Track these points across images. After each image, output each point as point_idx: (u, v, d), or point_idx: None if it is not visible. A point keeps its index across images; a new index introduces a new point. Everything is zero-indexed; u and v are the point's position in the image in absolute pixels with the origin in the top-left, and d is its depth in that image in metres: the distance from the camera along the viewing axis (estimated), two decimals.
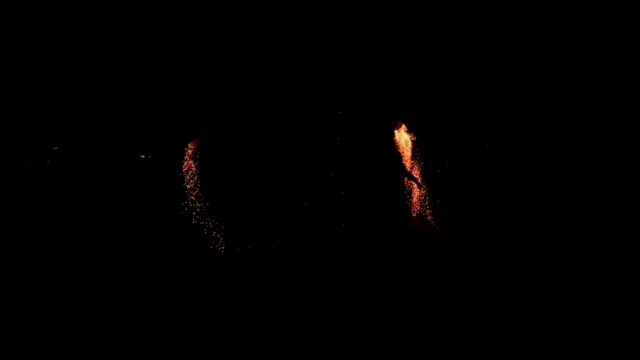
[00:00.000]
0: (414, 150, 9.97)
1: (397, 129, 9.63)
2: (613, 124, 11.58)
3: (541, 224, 8.29)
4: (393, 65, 12.61)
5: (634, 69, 11.58)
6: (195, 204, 8.18)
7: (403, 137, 9.68)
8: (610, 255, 5.84)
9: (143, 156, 18.38)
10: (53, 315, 4.09)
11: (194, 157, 11.78)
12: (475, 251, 6.37)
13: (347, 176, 12.48)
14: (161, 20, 15.04)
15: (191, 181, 8.82)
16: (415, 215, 9.66)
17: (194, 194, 9.19)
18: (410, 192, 9.57)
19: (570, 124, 12.07)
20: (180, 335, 3.55)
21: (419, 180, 9.20)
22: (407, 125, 9.53)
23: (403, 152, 9.53)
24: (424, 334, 3.41)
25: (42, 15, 16.17)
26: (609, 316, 3.69)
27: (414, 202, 9.89)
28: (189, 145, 7.19)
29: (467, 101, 12.73)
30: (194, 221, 6.92)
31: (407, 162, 9.57)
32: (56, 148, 17.62)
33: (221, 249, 6.84)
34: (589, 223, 8.05)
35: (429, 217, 9.46)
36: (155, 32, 14.82)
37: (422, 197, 9.84)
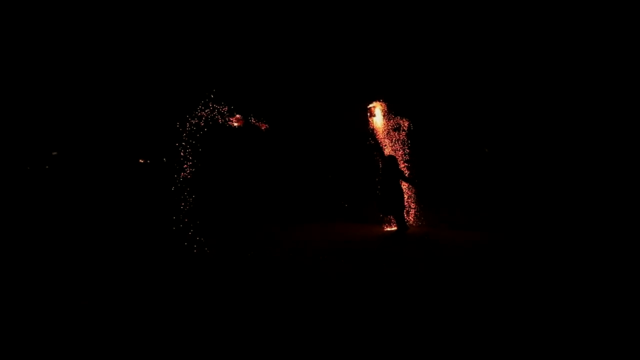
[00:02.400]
0: (411, 154, 9.89)
1: (373, 109, 9.20)
2: (613, 126, 11.58)
3: (541, 227, 8.24)
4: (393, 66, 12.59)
5: (633, 71, 11.59)
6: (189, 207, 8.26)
7: (381, 118, 9.29)
8: (613, 257, 5.80)
9: (142, 161, 18.37)
10: (52, 313, 4.09)
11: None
12: (476, 256, 6.31)
13: (345, 182, 12.46)
14: (160, 31, 15.13)
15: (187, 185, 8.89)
16: (414, 220, 9.60)
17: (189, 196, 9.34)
18: (408, 196, 9.49)
19: (567, 129, 12.07)
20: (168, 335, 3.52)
21: (416, 184, 9.16)
22: (386, 105, 9.17)
23: (399, 156, 9.45)
24: (422, 337, 3.37)
25: (42, 22, 16.24)
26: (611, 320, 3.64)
27: (412, 206, 9.82)
28: (234, 121, 6.53)
29: (466, 104, 12.72)
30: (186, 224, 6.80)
31: (404, 166, 9.51)
32: (55, 153, 17.69)
33: (216, 252, 6.76)
34: (587, 226, 8.01)
35: (429, 222, 9.39)
36: (153, 41, 14.88)
37: (421, 201, 9.79)
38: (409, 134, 9.59)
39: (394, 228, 8.67)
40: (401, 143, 9.54)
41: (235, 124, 6.42)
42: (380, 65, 13.46)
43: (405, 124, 9.57)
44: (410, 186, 9.02)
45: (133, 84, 14.95)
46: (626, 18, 11.64)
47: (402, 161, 9.31)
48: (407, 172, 9.16)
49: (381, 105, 9.26)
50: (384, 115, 9.32)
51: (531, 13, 12.69)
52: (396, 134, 9.57)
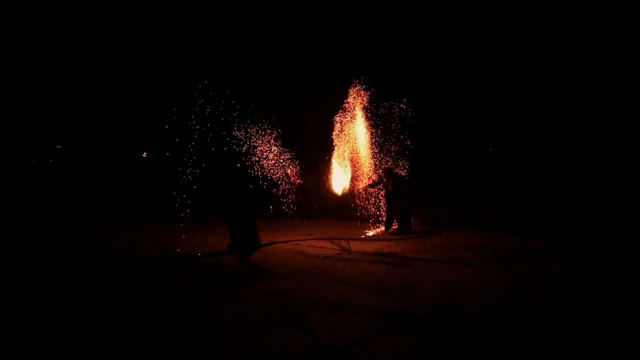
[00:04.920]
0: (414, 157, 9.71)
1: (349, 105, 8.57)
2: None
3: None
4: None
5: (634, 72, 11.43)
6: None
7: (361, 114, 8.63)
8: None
9: (145, 155, 18.37)
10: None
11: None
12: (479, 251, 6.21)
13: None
14: (161, 26, 15.16)
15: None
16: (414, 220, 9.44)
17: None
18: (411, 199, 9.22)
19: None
20: None
21: (415, 186, 9.06)
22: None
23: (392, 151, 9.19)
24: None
25: (47, 18, 16.28)
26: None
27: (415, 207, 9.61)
28: (291, 176, 6.84)
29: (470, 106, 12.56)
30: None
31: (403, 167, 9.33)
32: (59, 147, 17.80)
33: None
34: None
35: (430, 222, 9.24)
36: (156, 37, 14.89)
37: (420, 202, 9.67)
38: (403, 123, 9.20)
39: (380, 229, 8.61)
40: (395, 137, 9.26)
41: (293, 179, 6.66)
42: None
43: (398, 111, 9.01)
44: (409, 187, 8.86)
45: (136, 79, 14.95)
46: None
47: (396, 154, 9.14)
48: (405, 173, 9.07)
49: (362, 94, 8.66)
50: (367, 106, 8.72)
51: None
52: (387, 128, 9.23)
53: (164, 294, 4.54)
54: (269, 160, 7.27)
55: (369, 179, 8.79)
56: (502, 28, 12.68)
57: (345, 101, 8.67)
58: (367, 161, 8.76)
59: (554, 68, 12.38)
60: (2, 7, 15.40)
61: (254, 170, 7.17)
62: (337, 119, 8.71)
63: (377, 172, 8.80)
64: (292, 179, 6.82)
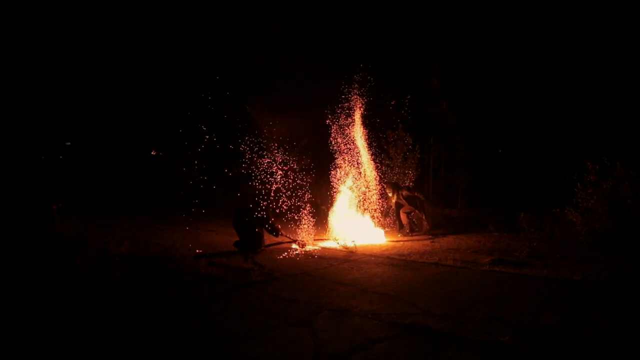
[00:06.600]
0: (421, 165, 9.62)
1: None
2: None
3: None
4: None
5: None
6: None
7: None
8: None
9: (154, 152, 18.47)
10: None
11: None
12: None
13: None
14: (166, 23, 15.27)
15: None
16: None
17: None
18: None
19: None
20: None
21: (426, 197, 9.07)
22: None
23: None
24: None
25: (56, 17, 16.43)
26: None
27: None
28: (300, 245, 7.11)
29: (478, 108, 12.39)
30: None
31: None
32: (69, 144, 17.91)
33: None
34: None
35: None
36: (161, 36, 14.97)
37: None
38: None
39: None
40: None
41: (301, 247, 6.97)
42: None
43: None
44: (415, 195, 8.79)
45: (144, 77, 15.00)
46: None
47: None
48: (409, 183, 9.18)
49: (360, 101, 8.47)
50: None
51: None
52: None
53: (167, 294, 4.51)
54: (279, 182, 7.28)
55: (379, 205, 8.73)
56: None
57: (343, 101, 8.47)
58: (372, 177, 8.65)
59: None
60: (13, 8, 15.56)
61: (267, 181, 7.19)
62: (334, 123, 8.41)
63: (382, 188, 8.74)
64: (300, 245, 7.02)
